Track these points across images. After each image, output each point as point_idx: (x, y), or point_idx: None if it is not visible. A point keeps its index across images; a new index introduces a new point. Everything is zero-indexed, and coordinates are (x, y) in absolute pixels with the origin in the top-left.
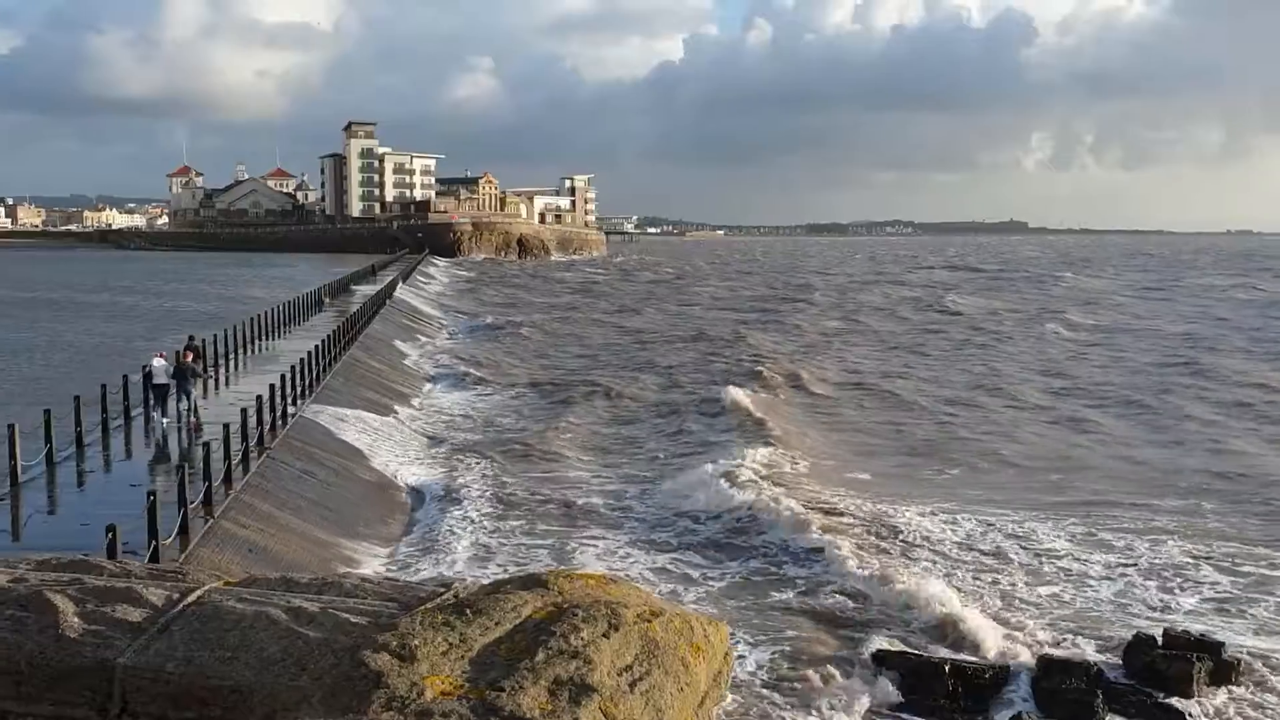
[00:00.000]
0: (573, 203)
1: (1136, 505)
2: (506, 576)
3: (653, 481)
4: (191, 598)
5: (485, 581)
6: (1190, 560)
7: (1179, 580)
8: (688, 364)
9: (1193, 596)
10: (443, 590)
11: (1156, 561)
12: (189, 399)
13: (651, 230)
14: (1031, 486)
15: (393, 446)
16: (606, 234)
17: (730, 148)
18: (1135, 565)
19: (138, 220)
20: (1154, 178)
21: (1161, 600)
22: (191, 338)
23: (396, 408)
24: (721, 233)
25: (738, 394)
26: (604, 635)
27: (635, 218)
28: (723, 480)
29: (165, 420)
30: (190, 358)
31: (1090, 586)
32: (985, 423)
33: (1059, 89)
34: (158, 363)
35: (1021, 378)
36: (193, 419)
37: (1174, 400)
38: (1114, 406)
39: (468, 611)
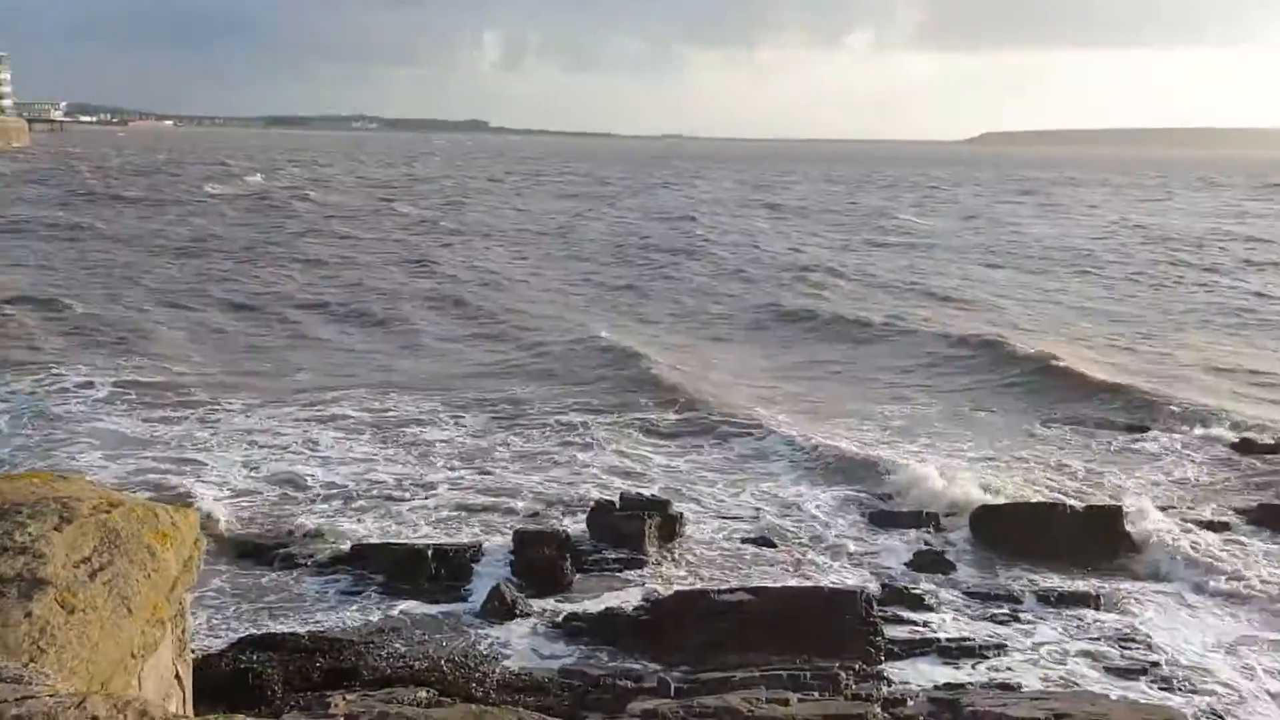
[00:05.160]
0: None
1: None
2: None
3: None
4: None
5: None
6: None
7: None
8: None
9: None
10: None
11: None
12: None
13: (85, 119)
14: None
15: None
16: (30, 121)
17: (173, 30)
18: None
19: None
20: (596, 83)
21: None
22: None
23: None
24: (170, 123)
25: None
26: (55, 529)
27: (64, 104)
28: None
29: None
30: None
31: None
32: None
33: None
34: None
35: None
36: None
37: None
38: None
39: None
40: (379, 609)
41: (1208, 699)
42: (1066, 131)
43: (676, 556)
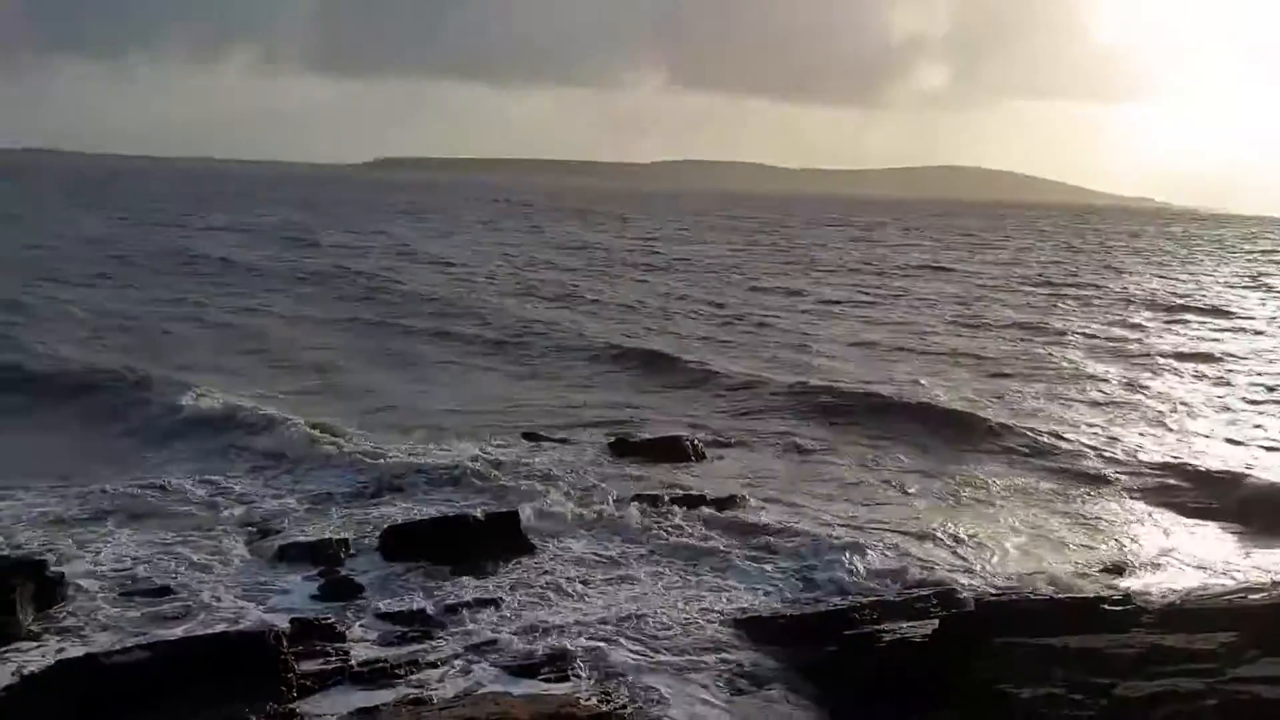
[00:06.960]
0: None
1: None
2: None
3: None
4: None
5: None
6: None
7: None
8: None
9: None
10: None
11: None
12: None
13: None
14: None
15: None
16: None
17: None
18: None
19: None
20: None
21: None
22: None
23: None
24: None
25: None
26: None
27: None
28: None
29: None
30: None
31: None
32: None
33: None
34: None
35: None
36: None
37: None
38: None
39: None
40: None
41: (604, 683)
42: (455, 160)
43: (60, 623)
